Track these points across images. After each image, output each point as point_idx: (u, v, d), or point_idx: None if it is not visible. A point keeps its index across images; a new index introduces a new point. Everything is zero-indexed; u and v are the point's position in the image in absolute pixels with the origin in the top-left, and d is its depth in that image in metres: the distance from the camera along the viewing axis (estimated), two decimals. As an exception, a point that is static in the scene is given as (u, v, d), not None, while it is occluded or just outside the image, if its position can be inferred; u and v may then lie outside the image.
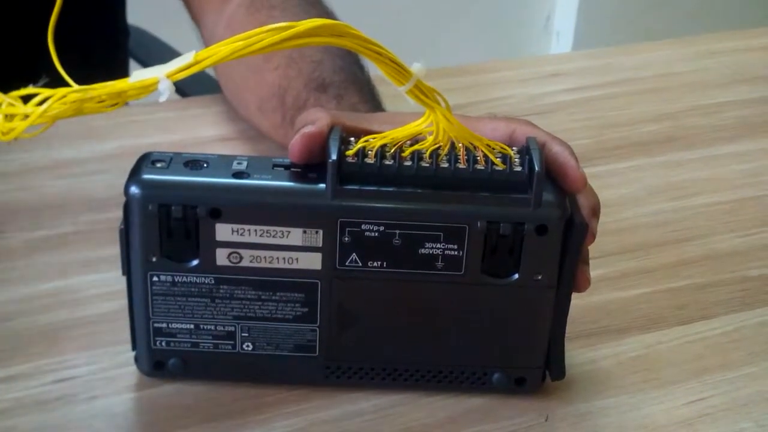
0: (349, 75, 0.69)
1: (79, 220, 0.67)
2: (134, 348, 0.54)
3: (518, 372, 0.54)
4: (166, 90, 0.43)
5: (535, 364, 0.54)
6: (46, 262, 0.63)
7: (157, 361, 0.54)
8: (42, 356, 0.56)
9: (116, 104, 0.44)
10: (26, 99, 0.44)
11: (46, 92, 0.43)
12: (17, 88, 0.46)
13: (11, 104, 0.43)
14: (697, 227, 0.71)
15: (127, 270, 0.52)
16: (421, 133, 0.50)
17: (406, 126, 0.50)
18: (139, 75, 0.43)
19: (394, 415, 0.54)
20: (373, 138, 0.50)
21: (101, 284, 0.61)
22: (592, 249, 0.67)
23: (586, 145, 0.81)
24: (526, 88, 0.89)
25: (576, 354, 0.58)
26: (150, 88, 0.43)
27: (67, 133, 0.77)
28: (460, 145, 0.50)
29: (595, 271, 0.65)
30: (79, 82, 0.47)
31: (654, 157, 0.80)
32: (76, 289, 0.61)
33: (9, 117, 0.43)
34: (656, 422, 0.54)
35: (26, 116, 0.43)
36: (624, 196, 0.75)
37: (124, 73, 0.97)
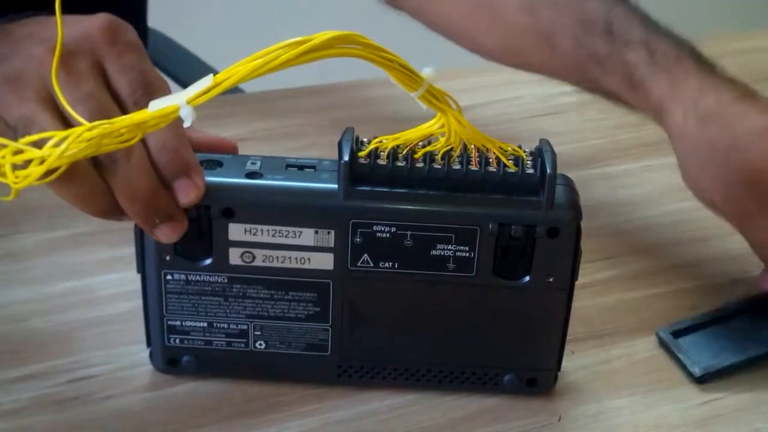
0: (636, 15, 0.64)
1: (94, 220, 0.67)
2: (149, 345, 0.55)
3: (530, 373, 0.54)
4: (188, 116, 0.43)
5: (547, 366, 0.54)
6: (61, 262, 0.64)
7: (171, 358, 0.54)
8: (57, 356, 0.56)
9: (135, 137, 0.43)
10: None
11: (61, 133, 0.42)
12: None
13: (20, 150, 0.42)
14: (711, 227, 0.71)
15: (141, 268, 0.52)
16: (433, 134, 0.50)
17: (418, 127, 0.50)
18: (158, 104, 0.43)
19: (407, 415, 0.54)
20: (386, 139, 0.50)
21: (116, 284, 0.62)
22: (604, 249, 0.67)
23: (599, 146, 0.81)
24: (536, 89, 0.88)
25: (589, 354, 0.58)
26: (171, 115, 0.43)
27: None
28: (473, 146, 0.50)
29: (607, 272, 0.66)
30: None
31: (667, 158, 0.79)
32: (91, 288, 0.62)
33: (24, 163, 0.42)
34: (670, 422, 0.54)
35: (43, 160, 0.42)
36: (637, 196, 0.75)
37: None
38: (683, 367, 0.57)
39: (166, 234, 0.49)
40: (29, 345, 0.57)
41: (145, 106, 0.44)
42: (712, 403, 0.56)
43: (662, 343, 0.59)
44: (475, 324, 0.53)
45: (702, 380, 0.56)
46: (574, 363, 0.57)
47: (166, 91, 0.48)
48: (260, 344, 0.54)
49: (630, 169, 0.78)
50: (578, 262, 0.51)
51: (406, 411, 0.54)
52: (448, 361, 0.54)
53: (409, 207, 0.50)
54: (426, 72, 0.47)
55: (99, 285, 0.62)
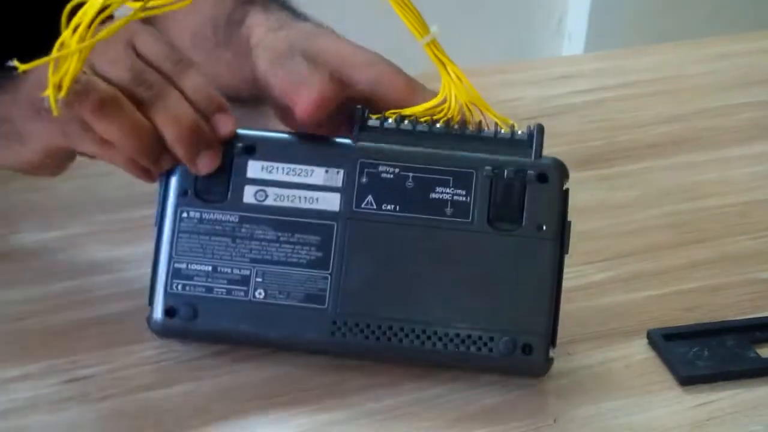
0: None
1: (90, 220, 0.67)
2: (150, 302, 0.55)
3: (525, 337, 0.54)
4: None
5: (541, 329, 0.54)
6: (58, 262, 0.64)
7: (170, 307, 0.55)
8: (54, 356, 0.56)
9: None
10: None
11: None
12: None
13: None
14: (708, 229, 0.71)
15: (159, 217, 0.55)
16: (434, 112, 0.56)
17: (422, 105, 0.57)
18: None
19: (404, 416, 0.54)
20: (392, 113, 0.56)
21: (113, 284, 0.62)
22: (601, 251, 0.68)
23: (598, 147, 0.81)
24: (536, 90, 0.88)
25: (585, 356, 0.58)
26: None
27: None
28: (471, 117, 0.56)
29: (604, 273, 0.66)
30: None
31: (666, 159, 0.80)
32: (88, 289, 0.62)
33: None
34: (665, 425, 0.55)
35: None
36: (635, 197, 0.75)
37: None
38: (670, 368, 0.58)
39: (206, 163, 0.54)
40: (26, 345, 0.57)
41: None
42: (706, 406, 0.56)
43: (652, 343, 0.59)
44: (471, 277, 0.54)
45: (685, 382, 0.57)
46: (570, 364, 0.58)
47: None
48: (259, 293, 0.55)
49: (628, 170, 0.78)
50: (566, 216, 0.55)
51: (404, 412, 0.55)
52: (444, 321, 0.55)
53: (412, 149, 0.55)
54: (433, 28, 0.54)
55: (95, 285, 0.62)
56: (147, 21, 0.55)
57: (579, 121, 0.85)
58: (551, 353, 0.55)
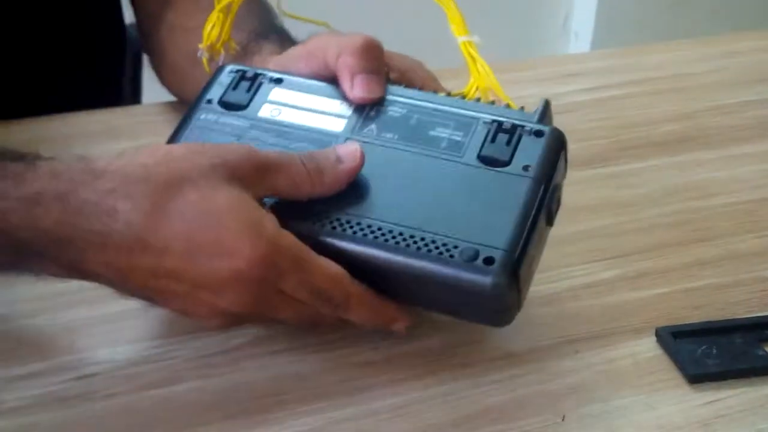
0: (275, 25, 0.76)
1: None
2: None
3: (488, 251, 0.54)
4: None
5: (506, 246, 0.54)
6: (66, 260, 0.64)
7: None
8: (63, 353, 0.57)
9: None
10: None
11: None
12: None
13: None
14: (715, 227, 0.71)
15: (182, 120, 0.60)
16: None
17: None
18: None
19: (410, 414, 0.54)
20: None
21: (121, 282, 0.62)
22: (608, 249, 0.67)
23: (604, 145, 0.81)
24: (542, 88, 0.88)
25: (593, 353, 0.58)
26: None
27: (87, 132, 0.79)
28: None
29: (612, 271, 0.66)
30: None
31: (672, 157, 0.80)
32: (97, 286, 0.61)
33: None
34: (672, 423, 0.55)
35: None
36: (642, 195, 0.75)
37: (119, 74, 0.96)
38: (678, 366, 0.58)
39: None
40: (34, 342, 0.58)
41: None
42: (714, 404, 0.56)
43: (660, 341, 0.59)
44: (449, 197, 0.56)
45: (693, 380, 0.57)
46: (578, 362, 0.58)
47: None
48: None
49: (635, 168, 0.78)
50: (555, 166, 0.57)
51: (410, 410, 0.55)
52: (414, 227, 0.55)
53: (425, 100, 0.60)
54: (475, 38, 0.60)
55: (103, 283, 0.62)
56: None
57: (585, 119, 0.85)
58: (519, 291, 0.54)
